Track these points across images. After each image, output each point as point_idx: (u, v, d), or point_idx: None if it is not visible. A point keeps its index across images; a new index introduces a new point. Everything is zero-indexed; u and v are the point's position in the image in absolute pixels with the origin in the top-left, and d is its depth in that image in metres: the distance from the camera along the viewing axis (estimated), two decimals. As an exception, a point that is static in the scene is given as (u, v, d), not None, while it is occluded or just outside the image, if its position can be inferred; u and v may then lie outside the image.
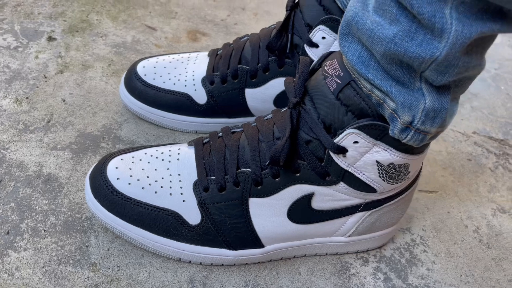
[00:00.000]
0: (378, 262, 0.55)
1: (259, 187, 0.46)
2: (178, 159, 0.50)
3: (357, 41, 0.41)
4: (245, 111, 0.61)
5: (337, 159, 0.44)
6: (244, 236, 0.48)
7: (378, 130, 0.42)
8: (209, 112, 0.61)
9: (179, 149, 0.51)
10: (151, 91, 0.60)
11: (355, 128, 0.42)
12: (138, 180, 0.48)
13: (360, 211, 0.49)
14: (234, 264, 0.50)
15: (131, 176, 0.48)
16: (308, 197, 0.47)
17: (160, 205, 0.47)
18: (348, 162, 0.44)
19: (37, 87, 0.63)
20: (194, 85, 0.60)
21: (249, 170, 0.46)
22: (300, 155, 0.45)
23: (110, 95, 0.64)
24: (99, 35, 0.73)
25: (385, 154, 0.43)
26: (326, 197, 0.47)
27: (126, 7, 0.79)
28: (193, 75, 0.60)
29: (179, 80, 0.60)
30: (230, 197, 0.47)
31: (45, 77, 0.64)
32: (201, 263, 0.49)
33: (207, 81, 0.60)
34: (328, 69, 0.43)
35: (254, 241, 0.48)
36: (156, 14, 0.80)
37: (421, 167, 0.51)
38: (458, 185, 0.66)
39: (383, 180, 0.46)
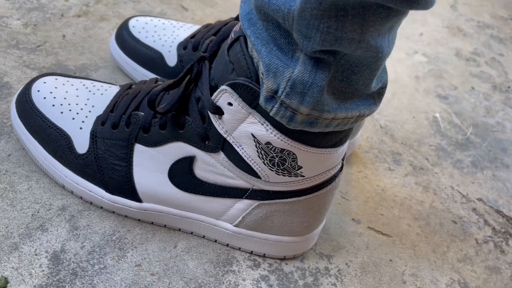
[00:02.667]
0: (270, 272, 0.48)
1: (146, 134, 0.44)
2: (101, 94, 0.50)
3: None
4: (210, 86, 0.59)
5: (215, 121, 0.40)
6: (121, 181, 0.46)
7: (252, 95, 0.38)
8: (176, 77, 0.60)
9: (110, 87, 0.51)
10: (132, 41, 0.61)
11: (228, 85, 0.38)
12: (54, 98, 0.49)
13: (247, 198, 0.44)
14: (114, 212, 0.48)
15: (51, 92, 0.49)
16: (189, 160, 0.43)
17: (57, 124, 0.47)
18: (225, 128, 0.40)
19: (50, 20, 0.69)
20: (170, 46, 0.60)
21: (143, 114, 0.45)
22: (188, 111, 0.42)
23: (106, 44, 0.67)
24: (132, 0, 0.78)
25: (261, 129, 0.39)
26: (208, 166, 0.43)
27: (175, -13, 0.84)
28: (174, 38, 0.61)
29: (160, 39, 0.61)
30: (118, 136, 0.45)
31: (62, 16, 0.70)
32: (81, 198, 0.48)
33: (182, 45, 0.60)
34: (236, 27, 0.41)
35: (131, 191, 0.46)
36: (197, 0, 0.83)
37: (335, 176, 0.44)
38: (423, 240, 0.56)
39: (264, 163, 0.41)
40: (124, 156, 0.45)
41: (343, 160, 0.44)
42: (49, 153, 0.48)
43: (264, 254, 0.49)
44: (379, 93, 0.39)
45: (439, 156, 0.68)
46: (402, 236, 0.56)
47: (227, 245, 0.49)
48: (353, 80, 0.36)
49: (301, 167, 0.41)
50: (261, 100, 0.36)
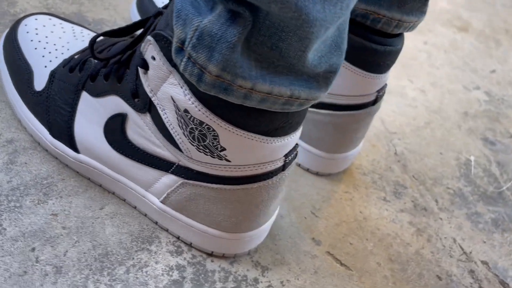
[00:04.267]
0: (190, 264, 0.43)
1: (92, 82, 0.42)
2: (83, 40, 0.49)
3: None
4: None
5: (142, 77, 0.37)
6: (63, 126, 0.44)
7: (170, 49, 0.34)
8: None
9: (94, 35, 0.50)
10: (148, 3, 0.60)
11: (152, 36, 0.35)
12: (36, 34, 0.49)
13: (172, 173, 0.40)
14: (57, 159, 0.47)
15: (36, 29, 0.49)
16: (122, 117, 0.40)
17: (27, 58, 0.47)
18: (150, 86, 0.37)
19: (92, -26, 0.71)
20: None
21: (96, 61, 0.43)
22: (129, 64, 0.39)
23: (135, 6, 0.67)
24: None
25: (180, 92, 0.35)
26: (137, 128, 0.40)
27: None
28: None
29: (174, 7, 0.60)
30: (71, 80, 0.44)
31: (106, -27, 0.72)
32: (32, 136, 0.47)
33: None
34: None
35: (70, 139, 0.44)
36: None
37: (272, 174, 0.38)
38: (389, 285, 0.47)
39: (184, 134, 0.37)
40: (70, 101, 0.44)
41: (287, 158, 0.39)
42: (14, 85, 0.48)
43: (191, 244, 0.44)
44: (326, 77, 0.34)
45: (454, 202, 0.58)
46: (364, 273, 0.48)
47: (156, 223, 0.45)
48: (283, 49, 0.31)
49: (224, 149, 0.36)
50: (172, 52, 0.33)
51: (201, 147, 0.37)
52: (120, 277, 0.41)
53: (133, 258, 0.42)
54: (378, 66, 0.46)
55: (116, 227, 0.44)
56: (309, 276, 0.46)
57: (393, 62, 0.47)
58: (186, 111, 0.35)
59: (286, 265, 0.46)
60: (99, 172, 0.45)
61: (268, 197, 0.40)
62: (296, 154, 0.40)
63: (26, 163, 0.46)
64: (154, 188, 0.42)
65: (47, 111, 0.45)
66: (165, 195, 0.42)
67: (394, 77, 0.74)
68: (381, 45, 0.45)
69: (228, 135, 0.35)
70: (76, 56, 0.45)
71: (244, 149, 0.36)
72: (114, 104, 0.41)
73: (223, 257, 0.45)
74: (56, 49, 0.48)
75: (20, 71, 0.47)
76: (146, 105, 0.38)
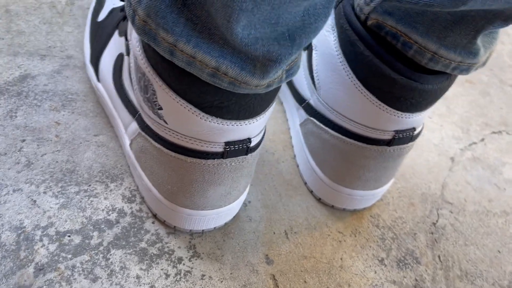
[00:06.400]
0: (131, 215, 0.44)
1: (122, 22, 0.46)
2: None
3: None
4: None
5: (129, 22, 0.39)
6: (95, 54, 0.49)
7: None
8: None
9: None
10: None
11: None
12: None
13: (136, 121, 0.42)
14: (90, 83, 0.52)
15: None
16: (121, 57, 0.43)
17: (107, -4, 0.54)
18: (129, 30, 0.38)
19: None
20: None
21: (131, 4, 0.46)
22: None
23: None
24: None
25: (135, 38, 0.35)
26: (125, 70, 0.42)
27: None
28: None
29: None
30: (115, 18, 0.48)
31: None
32: (83, 55, 0.54)
33: None
34: None
35: (96, 67, 0.49)
36: None
37: (208, 156, 0.36)
38: None
39: (136, 81, 0.37)
40: (107, 35, 0.48)
41: (228, 146, 0.36)
42: (91, 13, 0.55)
43: (143, 198, 0.45)
44: (263, 64, 0.31)
45: (473, 308, 0.46)
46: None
47: (129, 167, 0.47)
48: (213, 15, 0.29)
49: (161, 108, 0.36)
50: None
51: (145, 99, 0.37)
52: (67, 194, 0.44)
53: (89, 185, 0.45)
54: (398, 100, 0.39)
55: (96, 155, 0.48)
56: (234, 285, 0.42)
57: (421, 102, 0.39)
58: (136, 58, 0.36)
59: (219, 263, 0.43)
60: (106, 104, 0.49)
61: (203, 180, 0.39)
62: (245, 149, 0.37)
63: (67, 77, 0.53)
64: (127, 131, 0.45)
65: (95, 39, 0.51)
66: (130, 141, 0.44)
67: (499, 148, 0.61)
68: (403, 77, 0.38)
69: (163, 94, 0.35)
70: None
71: (178, 116, 0.35)
72: (122, 43, 0.44)
73: (164, 224, 0.44)
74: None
75: (99, 3, 0.54)
76: (128, 49, 0.40)
